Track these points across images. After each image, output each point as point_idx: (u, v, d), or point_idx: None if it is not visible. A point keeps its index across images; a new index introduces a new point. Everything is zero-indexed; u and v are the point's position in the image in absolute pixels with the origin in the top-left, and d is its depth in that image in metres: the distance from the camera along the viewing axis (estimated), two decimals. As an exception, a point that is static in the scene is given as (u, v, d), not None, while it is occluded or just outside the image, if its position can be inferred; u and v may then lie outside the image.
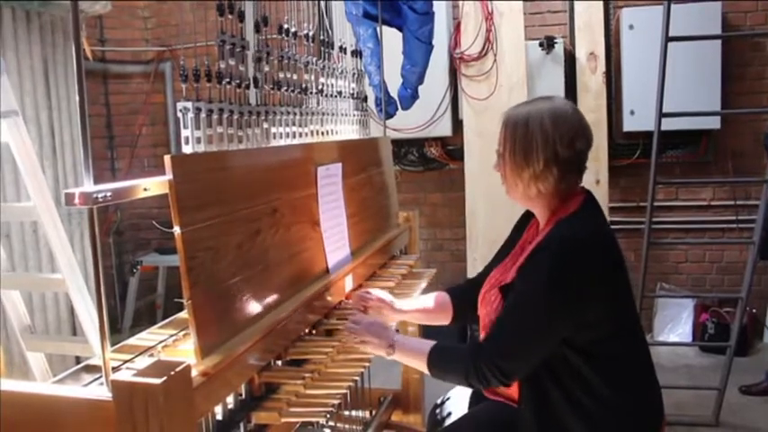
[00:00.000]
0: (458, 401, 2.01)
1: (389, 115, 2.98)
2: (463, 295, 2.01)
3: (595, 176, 4.24)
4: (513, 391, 1.72)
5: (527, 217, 1.89)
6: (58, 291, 3.17)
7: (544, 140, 1.61)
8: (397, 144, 4.89)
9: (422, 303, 2.08)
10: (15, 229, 3.33)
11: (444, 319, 2.05)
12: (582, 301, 1.56)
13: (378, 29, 2.81)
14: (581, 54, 4.47)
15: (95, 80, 5.39)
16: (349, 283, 2.09)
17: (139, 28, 5.57)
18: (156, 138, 5.61)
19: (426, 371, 1.71)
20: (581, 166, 1.68)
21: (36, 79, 3.49)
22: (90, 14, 3.86)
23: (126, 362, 1.48)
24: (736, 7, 4.52)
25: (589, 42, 4.44)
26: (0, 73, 2.58)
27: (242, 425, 1.45)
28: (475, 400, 1.95)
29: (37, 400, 1.19)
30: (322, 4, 3.10)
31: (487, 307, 1.76)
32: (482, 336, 1.79)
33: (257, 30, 1.80)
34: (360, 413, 2.47)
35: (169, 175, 1.31)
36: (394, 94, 3.04)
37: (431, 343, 1.71)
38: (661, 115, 3.36)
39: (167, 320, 1.76)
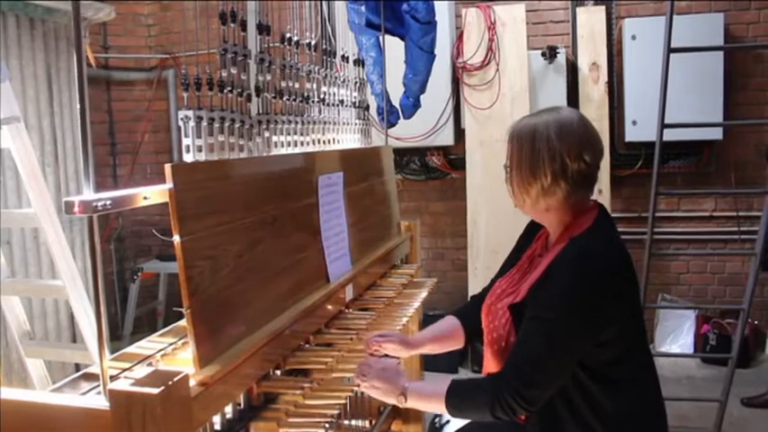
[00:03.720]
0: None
1: (391, 124, 2.98)
2: (471, 317, 1.92)
3: (597, 186, 4.22)
4: None
5: (534, 226, 1.85)
6: (59, 297, 3.16)
7: (551, 155, 1.57)
8: (400, 153, 4.89)
9: (433, 333, 2.00)
10: (16, 236, 3.33)
11: (457, 344, 1.99)
12: (600, 321, 1.53)
13: (380, 38, 2.81)
14: (583, 64, 4.48)
15: (98, 87, 5.40)
16: (349, 293, 2.08)
17: (143, 35, 5.59)
18: (158, 145, 5.62)
19: (445, 411, 1.63)
20: (591, 178, 1.65)
21: (39, 86, 3.50)
22: (94, 21, 3.87)
23: (124, 370, 1.48)
24: (739, 18, 4.52)
25: (591, 52, 4.46)
26: (3, 79, 2.59)
27: (240, 435, 1.45)
28: None
29: (34, 408, 1.19)
30: (325, 12, 3.11)
31: (495, 321, 1.70)
32: (487, 352, 1.74)
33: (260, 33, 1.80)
34: (360, 423, 2.46)
35: (169, 184, 1.30)
36: (396, 103, 3.04)
37: (446, 383, 1.63)
38: (663, 126, 3.36)
39: (167, 328, 1.76)
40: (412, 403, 1.67)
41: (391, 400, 1.68)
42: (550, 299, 1.53)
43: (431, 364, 2.83)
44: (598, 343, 1.54)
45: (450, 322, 1.99)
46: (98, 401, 1.14)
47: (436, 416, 2.05)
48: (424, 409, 1.75)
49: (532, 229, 1.87)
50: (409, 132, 4.42)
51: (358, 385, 1.68)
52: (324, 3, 3.83)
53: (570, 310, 1.51)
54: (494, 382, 1.57)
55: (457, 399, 1.61)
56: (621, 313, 1.56)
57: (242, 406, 1.49)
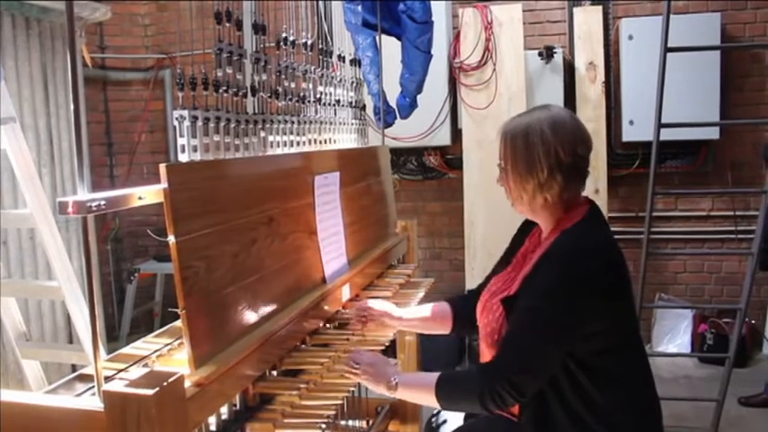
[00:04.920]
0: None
1: (388, 124, 2.97)
2: (464, 306, 1.98)
3: (594, 186, 4.25)
4: None
5: (528, 225, 1.88)
6: (55, 298, 3.15)
7: (546, 149, 1.60)
8: (397, 153, 4.89)
9: (422, 312, 2.06)
10: (12, 237, 3.32)
11: (444, 329, 2.03)
12: (587, 312, 1.54)
13: (377, 38, 2.81)
14: (580, 64, 4.48)
15: (95, 87, 5.39)
16: (346, 293, 2.07)
17: (139, 35, 5.59)
18: (155, 145, 5.62)
19: (435, 403, 1.66)
20: (583, 171, 1.67)
21: (35, 86, 3.49)
22: (90, 21, 3.86)
23: (119, 371, 1.47)
24: (736, 18, 4.53)
25: (588, 52, 4.46)
26: (-2, 80, 2.58)
27: (236, 436, 1.44)
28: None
29: (28, 410, 1.18)
30: (321, 12, 3.10)
31: (489, 316, 1.73)
32: (482, 346, 1.78)
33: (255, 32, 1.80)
34: (356, 423, 2.46)
35: (164, 184, 1.30)
36: (393, 102, 3.04)
37: (436, 374, 1.65)
38: (660, 125, 3.36)
39: (163, 329, 1.75)
40: (402, 394, 1.69)
41: (382, 390, 1.69)
42: (538, 290, 1.57)
43: (428, 363, 2.83)
44: (585, 335, 1.56)
45: (442, 307, 2.04)
46: (93, 403, 1.14)
47: (433, 415, 2.05)
48: (415, 401, 1.77)
49: (525, 228, 1.89)
50: (406, 132, 4.42)
51: (349, 376, 1.67)
52: (320, 2, 3.83)
53: (557, 302, 1.53)
54: (483, 370, 1.61)
55: (446, 390, 1.63)
56: (610, 308, 1.58)
57: (238, 406, 1.48)
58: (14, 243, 3.33)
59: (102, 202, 1.18)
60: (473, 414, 1.92)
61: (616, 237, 1.73)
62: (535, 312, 1.56)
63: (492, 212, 4.33)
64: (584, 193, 1.74)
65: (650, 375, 1.71)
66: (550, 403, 1.60)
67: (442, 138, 4.75)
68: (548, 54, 4.53)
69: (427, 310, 2.06)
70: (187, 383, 1.21)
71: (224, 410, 1.44)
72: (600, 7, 4.55)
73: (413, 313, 2.06)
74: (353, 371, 1.67)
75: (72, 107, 1.15)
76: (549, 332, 1.55)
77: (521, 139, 1.64)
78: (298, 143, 2.02)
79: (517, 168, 1.65)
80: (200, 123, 1.50)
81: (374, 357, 1.73)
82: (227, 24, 1.62)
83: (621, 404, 1.60)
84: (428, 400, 1.66)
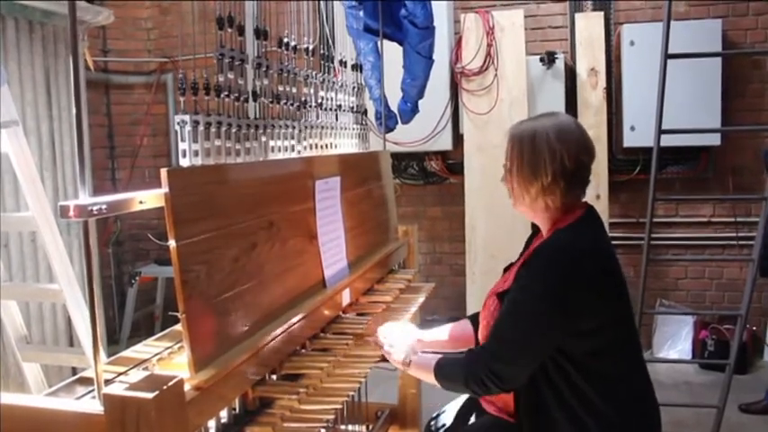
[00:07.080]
0: (452, 414, 2.02)
1: (389, 129, 2.98)
2: None
3: (595, 191, 4.25)
4: (512, 404, 1.72)
5: (534, 234, 1.91)
6: (56, 301, 3.16)
7: (552, 155, 1.64)
8: (398, 157, 4.90)
9: (441, 335, 2.11)
10: (14, 239, 3.32)
11: (467, 346, 2.04)
12: (574, 309, 1.57)
13: (378, 43, 2.82)
14: (582, 69, 4.49)
15: (97, 90, 5.40)
16: (346, 297, 2.08)
17: (142, 39, 5.60)
18: (157, 149, 5.62)
19: (436, 383, 1.78)
20: (585, 179, 1.71)
21: (37, 90, 3.50)
22: (92, 25, 3.88)
23: (120, 374, 1.47)
24: (737, 25, 4.54)
25: (590, 58, 4.47)
26: (1, 83, 2.59)
27: (235, 439, 1.44)
28: (466, 410, 1.97)
29: (28, 412, 1.18)
30: (323, 17, 3.11)
31: (485, 312, 1.80)
32: (480, 340, 1.83)
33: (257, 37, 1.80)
34: (356, 428, 2.46)
35: (165, 189, 1.30)
36: (394, 107, 3.05)
37: (438, 356, 1.80)
38: (660, 131, 3.36)
39: (164, 332, 1.76)
40: (413, 371, 1.88)
41: (397, 365, 1.89)
42: (524, 282, 1.63)
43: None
44: (577, 333, 1.59)
45: (461, 327, 2.10)
46: (93, 406, 1.14)
47: (432, 419, 2.06)
48: (421, 378, 1.89)
49: (535, 231, 1.92)
50: (407, 137, 4.43)
51: (376, 343, 1.90)
52: (322, 7, 3.85)
53: (540, 295, 1.58)
54: (470, 357, 1.70)
55: (442, 371, 1.76)
56: (600, 307, 1.60)
57: (237, 410, 1.49)
58: (16, 246, 3.34)
59: (104, 206, 1.19)
60: (469, 412, 1.95)
61: (617, 243, 1.75)
62: (517, 305, 1.62)
63: (493, 217, 4.33)
64: (584, 199, 1.76)
65: (648, 379, 1.73)
66: (549, 405, 1.62)
67: (444, 143, 4.76)
68: (549, 60, 4.54)
69: (446, 332, 2.11)
70: (187, 387, 1.21)
71: (223, 414, 1.44)
72: (601, 13, 4.56)
73: (434, 336, 2.11)
74: (380, 343, 1.90)
75: (74, 111, 1.16)
76: (529, 326, 1.59)
77: (528, 143, 1.68)
78: (299, 148, 2.03)
79: (522, 171, 1.69)
80: (201, 128, 1.51)
81: (400, 337, 1.92)
82: (229, 29, 1.62)
83: (619, 407, 1.62)
84: (431, 378, 1.80)
